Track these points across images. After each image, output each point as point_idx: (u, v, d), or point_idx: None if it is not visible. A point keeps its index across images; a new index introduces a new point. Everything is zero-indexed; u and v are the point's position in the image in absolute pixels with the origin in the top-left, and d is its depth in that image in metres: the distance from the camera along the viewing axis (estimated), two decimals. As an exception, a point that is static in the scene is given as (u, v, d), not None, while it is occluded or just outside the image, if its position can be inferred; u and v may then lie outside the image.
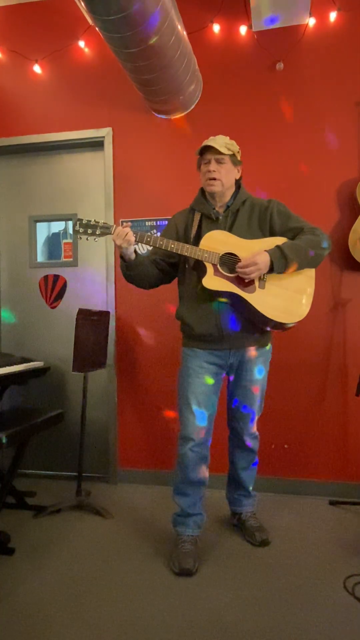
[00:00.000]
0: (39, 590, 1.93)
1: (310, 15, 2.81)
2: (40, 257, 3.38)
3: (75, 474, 2.81)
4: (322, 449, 2.88)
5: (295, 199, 2.87)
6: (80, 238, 2.04)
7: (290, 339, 2.84)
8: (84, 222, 2.03)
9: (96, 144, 3.19)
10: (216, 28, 2.95)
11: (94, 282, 3.24)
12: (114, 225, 2.02)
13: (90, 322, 2.69)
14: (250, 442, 2.32)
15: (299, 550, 2.22)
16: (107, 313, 2.92)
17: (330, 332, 2.87)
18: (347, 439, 2.85)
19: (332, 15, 2.82)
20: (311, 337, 2.87)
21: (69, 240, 3.33)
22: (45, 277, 3.34)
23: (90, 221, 2.03)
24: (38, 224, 3.36)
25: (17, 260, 3.38)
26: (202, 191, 2.24)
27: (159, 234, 3.00)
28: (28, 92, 3.25)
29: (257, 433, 2.34)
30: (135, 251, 2.10)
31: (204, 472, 2.19)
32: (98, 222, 2.03)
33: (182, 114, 3.00)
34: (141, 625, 1.71)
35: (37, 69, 3.19)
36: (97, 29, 2.19)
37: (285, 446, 2.91)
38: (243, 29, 2.92)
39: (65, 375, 3.25)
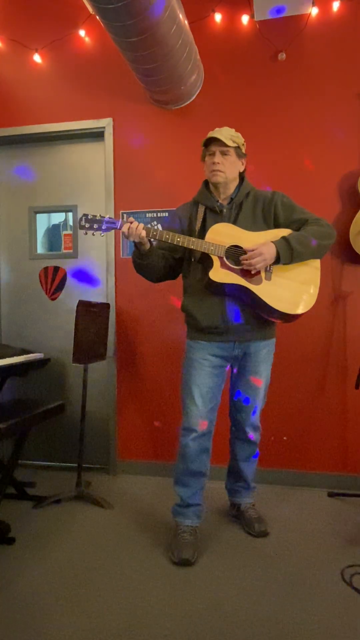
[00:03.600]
0: (38, 580, 1.94)
1: (313, 4, 2.78)
2: (40, 249, 3.37)
3: (75, 464, 2.82)
4: (322, 441, 2.89)
5: (297, 190, 2.85)
6: (86, 233, 2.04)
7: (291, 331, 2.84)
8: (89, 217, 2.03)
9: (97, 135, 3.17)
10: (218, 17, 2.92)
11: (94, 274, 3.24)
12: (120, 220, 2.03)
13: (91, 313, 2.69)
14: (251, 433, 2.32)
15: (297, 541, 2.23)
16: (107, 305, 2.92)
17: (330, 325, 2.87)
18: (347, 431, 2.86)
19: (335, 5, 2.79)
20: (311, 330, 2.87)
21: (69, 232, 3.32)
22: (46, 269, 3.33)
23: (95, 216, 2.03)
24: (38, 215, 3.35)
25: (17, 251, 3.37)
26: (206, 184, 2.24)
27: (159, 225, 3.00)
28: (28, 82, 3.22)
29: (259, 425, 2.34)
30: (149, 241, 2.11)
31: (206, 463, 2.20)
32: (103, 217, 2.03)
33: (183, 105, 2.98)
34: (140, 615, 1.72)
35: (37, 58, 3.16)
36: (97, 17, 2.17)
37: (285, 438, 2.92)
38: (245, 19, 2.89)
39: (66, 366, 3.25)
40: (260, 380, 2.25)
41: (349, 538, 2.25)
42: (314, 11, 2.81)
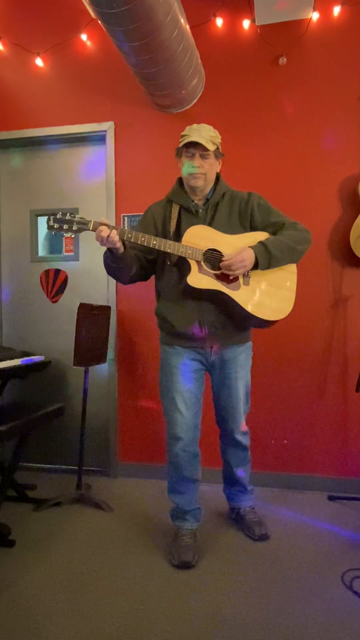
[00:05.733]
0: (39, 583, 1.94)
1: (314, 9, 2.79)
2: (42, 252, 3.38)
3: (75, 467, 2.83)
4: (322, 445, 2.89)
5: (297, 194, 2.87)
6: (55, 234, 1.90)
7: (291, 334, 2.85)
8: (58, 217, 1.88)
9: (98, 138, 3.19)
10: (219, 22, 2.94)
11: (95, 277, 3.24)
12: (92, 221, 1.89)
13: (91, 316, 2.69)
14: (240, 439, 2.30)
15: (297, 545, 2.23)
16: (108, 308, 2.93)
17: (330, 329, 2.87)
18: (347, 435, 2.86)
19: (336, 10, 2.80)
20: (312, 333, 2.87)
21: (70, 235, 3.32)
22: (47, 272, 3.34)
23: (65, 216, 1.88)
24: (39, 218, 3.36)
25: (19, 254, 3.37)
26: (180, 182, 2.19)
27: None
28: (30, 86, 3.23)
29: (247, 429, 2.32)
30: (123, 243, 1.97)
31: (197, 468, 2.19)
32: (74, 217, 1.89)
33: (185, 109, 2.99)
34: (141, 617, 1.72)
35: (39, 62, 3.17)
36: (99, 22, 2.18)
37: (285, 441, 2.92)
38: (246, 23, 2.91)
39: (66, 369, 3.26)
40: (241, 384, 2.21)
41: (349, 542, 2.25)
42: (314, 16, 2.82)
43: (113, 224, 1.97)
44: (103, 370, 3.14)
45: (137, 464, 3.12)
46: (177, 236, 2.06)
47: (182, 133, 2.07)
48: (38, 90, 3.23)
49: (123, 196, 3.11)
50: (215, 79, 2.96)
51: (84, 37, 3.11)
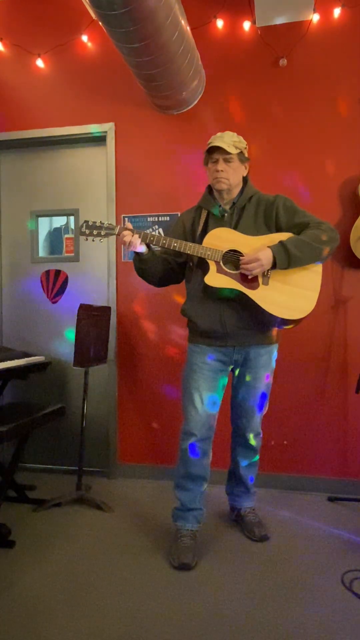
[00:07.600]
0: (39, 583, 1.94)
1: (314, 11, 2.80)
2: (42, 252, 3.38)
3: (75, 468, 2.83)
4: (322, 446, 2.89)
5: (297, 195, 2.87)
6: (87, 239, 2.10)
7: (291, 336, 2.84)
8: (89, 223, 2.08)
9: (98, 139, 3.19)
10: (220, 23, 2.94)
11: (96, 278, 3.25)
12: (118, 226, 2.08)
13: (92, 317, 2.70)
14: (252, 439, 2.32)
15: (297, 546, 2.23)
16: (108, 308, 2.93)
17: (331, 330, 2.87)
18: (347, 436, 2.86)
19: (336, 12, 2.81)
20: (312, 334, 2.87)
21: (71, 236, 3.33)
22: (47, 272, 3.34)
23: (95, 222, 2.09)
24: (40, 219, 3.36)
25: (19, 255, 3.38)
26: (210, 188, 2.25)
27: (160, 229, 3.01)
28: (30, 87, 3.24)
29: (260, 431, 2.35)
30: (148, 246, 2.15)
31: (206, 467, 2.20)
32: (103, 224, 2.09)
33: (185, 110, 2.99)
34: (140, 619, 1.72)
35: (39, 63, 3.18)
36: (100, 23, 2.19)
37: (285, 442, 2.92)
38: (247, 25, 2.91)
39: (66, 370, 3.26)
40: (262, 385, 2.25)
41: (349, 543, 2.25)
42: (315, 17, 2.82)
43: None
44: (103, 371, 3.15)
45: (137, 464, 3.12)
46: (203, 239, 2.12)
47: (208, 142, 2.15)
48: (39, 92, 3.23)
49: (123, 197, 3.12)
50: (215, 81, 2.97)
51: (84, 38, 3.12)
